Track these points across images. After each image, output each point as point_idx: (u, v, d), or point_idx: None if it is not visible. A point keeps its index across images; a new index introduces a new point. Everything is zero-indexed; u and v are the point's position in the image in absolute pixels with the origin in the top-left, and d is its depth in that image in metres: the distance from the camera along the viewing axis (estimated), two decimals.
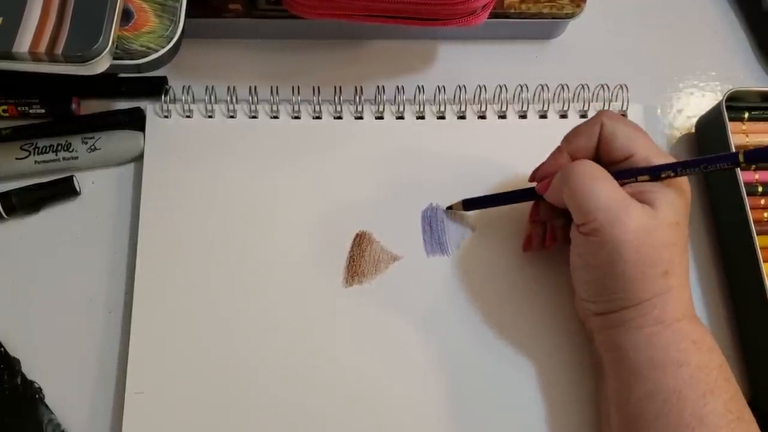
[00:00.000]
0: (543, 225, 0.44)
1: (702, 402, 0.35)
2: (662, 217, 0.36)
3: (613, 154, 0.39)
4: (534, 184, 0.42)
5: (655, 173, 0.37)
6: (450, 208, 0.46)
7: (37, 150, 0.46)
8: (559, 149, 0.41)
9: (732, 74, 0.54)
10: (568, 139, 0.41)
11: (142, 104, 0.48)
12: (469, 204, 0.45)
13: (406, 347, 0.43)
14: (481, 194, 0.46)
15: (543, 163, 0.42)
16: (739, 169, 0.45)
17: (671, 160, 0.38)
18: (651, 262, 0.36)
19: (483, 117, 0.49)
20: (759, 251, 0.44)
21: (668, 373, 0.36)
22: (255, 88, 0.47)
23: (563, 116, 0.49)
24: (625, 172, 0.38)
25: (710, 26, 0.55)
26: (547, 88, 0.49)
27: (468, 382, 0.43)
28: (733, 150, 0.45)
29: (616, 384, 0.38)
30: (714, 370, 0.36)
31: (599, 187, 0.36)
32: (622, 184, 0.37)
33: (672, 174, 0.37)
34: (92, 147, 0.46)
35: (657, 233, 0.36)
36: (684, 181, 0.38)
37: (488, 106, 0.49)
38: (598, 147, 0.39)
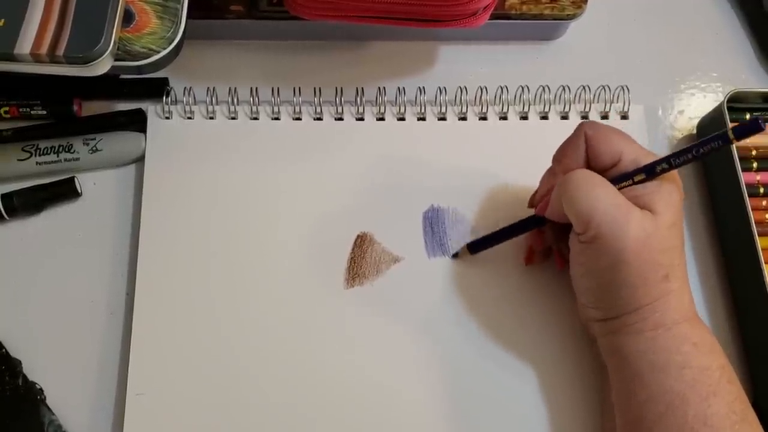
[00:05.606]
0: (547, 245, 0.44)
1: (705, 404, 0.35)
2: (662, 220, 0.36)
3: (601, 160, 0.38)
4: (533, 211, 0.42)
5: (651, 170, 0.37)
6: (456, 255, 0.45)
7: (38, 151, 0.46)
8: (551, 170, 0.41)
9: (733, 75, 0.54)
10: (557, 157, 0.41)
11: (144, 105, 0.48)
12: (474, 247, 0.45)
13: (406, 349, 0.43)
14: (482, 198, 0.46)
15: (538, 187, 0.42)
16: (740, 169, 0.45)
17: (657, 157, 0.37)
18: (652, 268, 0.36)
19: (484, 118, 0.49)
20: (760, 253, 0.43)
21: (671, 377, 0.36)
22: (256, 89, 0.47)
23: (564, 117, 0.49)
24: (621, 177, 0.37)
25: (711, 27, 0.55)
26: (549, 89, 0.49)
27: (468, 385, 0.43)
28: (734, 147, 0.45)
29: (618, 388, 0.38)
30: (716, 371, 0.36)
31: (597, 193, 0.36)
32: (619, 189, 0.37)
33: (667, 167, 0.36)
34: (94, 148, 0.46)
35: (657, 238, 0.36)
36: (675, 175, 0.38)
37: (489, 107, 0.49)
38: (587, 158, 0.39)
